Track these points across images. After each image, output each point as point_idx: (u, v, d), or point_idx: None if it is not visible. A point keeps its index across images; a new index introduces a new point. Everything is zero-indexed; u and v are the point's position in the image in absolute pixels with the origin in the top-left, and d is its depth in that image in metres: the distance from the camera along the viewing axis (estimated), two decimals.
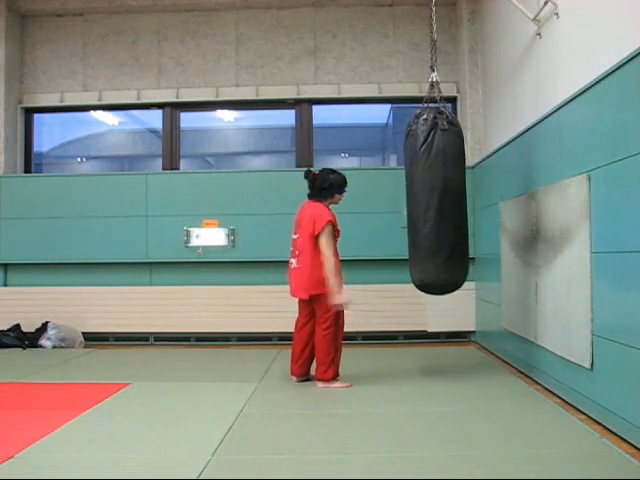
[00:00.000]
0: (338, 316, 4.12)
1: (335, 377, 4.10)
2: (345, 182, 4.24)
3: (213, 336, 6.10)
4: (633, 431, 2.80)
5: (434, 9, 4.21)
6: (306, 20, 6.51)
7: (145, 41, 6.59)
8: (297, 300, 4.25)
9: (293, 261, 4.18)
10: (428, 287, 4.11)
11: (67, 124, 7.98)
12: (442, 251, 3.93)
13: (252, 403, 3.68)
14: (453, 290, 4.16)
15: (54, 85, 6.64)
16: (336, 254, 4.10)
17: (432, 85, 4.21)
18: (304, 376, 4.24)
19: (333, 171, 4.24)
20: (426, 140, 3.95)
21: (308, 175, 4.22)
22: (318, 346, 4.08)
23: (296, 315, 4.30)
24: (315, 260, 4.03)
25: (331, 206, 4.26)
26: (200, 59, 6.56)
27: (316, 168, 6.67)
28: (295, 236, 4.21)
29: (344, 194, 4.29)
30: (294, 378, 4.24)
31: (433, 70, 4.24)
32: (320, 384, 4.07)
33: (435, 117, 3.98)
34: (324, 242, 4.02)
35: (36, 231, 6.26)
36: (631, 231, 2.82)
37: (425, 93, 4.26)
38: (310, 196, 4.26)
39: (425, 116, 4.00)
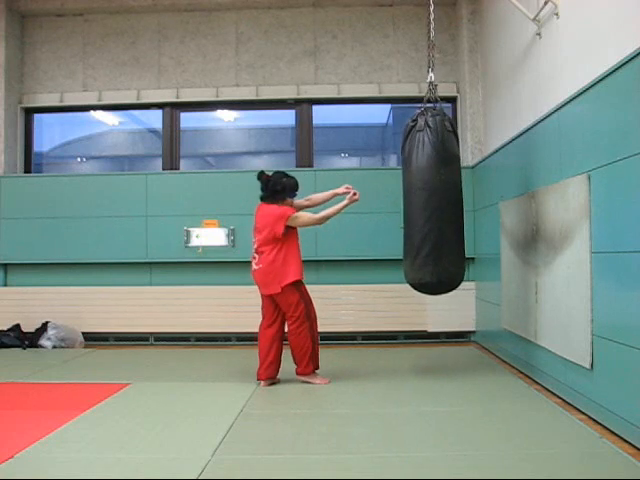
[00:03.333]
0: (309, 309, 4.17)
1: (314, 370, 4.21)
2: (297, 186, 4.25)
3: (213, 336, 6.10)
4: (633, 431, 2.80)
5: (432, 9, 4.21)
6: (306, 20, 6.52)
7: (145, 41, 6.59)
8: (260, 303, 4.28)
9: (253, 263, 4.21)
10: (424, 287, 4.11)
11: (67, 124, 7.98)
12: (438, 250, 3.92)
13: (252, 403, 3.68)
14: (449, 290, 4.16)
15: (54, 85, 6.65)
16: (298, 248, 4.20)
17: (430, 85, 4.21)
18: (271, 379, 4.16)
19: (286, 175, 4.25)
20: (423, 140, 3.96)
21: (261, 177, 4.21)
22: (294, 344, 4.14)
23: None
24: (278, 255, 4.08)
25: None
26: (200, 59, 6.56)
27: (315, 169, 6.69)
28: (254, 239, 4.23)
29: (295, 198, 4.30)
30: (261, 382, 4.14)
31: (431, 70, 4.23)
32: (301, 377, 4.19)
33: (434, 118, 3.99)
34: (304, 222, 4.15)
35: (36, 231, 6.26)
36: (631, 231, 2.82)
37: (424, 93, 4.25)
38: (263, 198, 4.26)
39: (424, 117, 4.02)
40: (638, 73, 2.75)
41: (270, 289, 4.12)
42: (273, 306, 4.20)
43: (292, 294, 4.10)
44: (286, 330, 4.22)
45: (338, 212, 4.22)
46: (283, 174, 4.25)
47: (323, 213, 4.20)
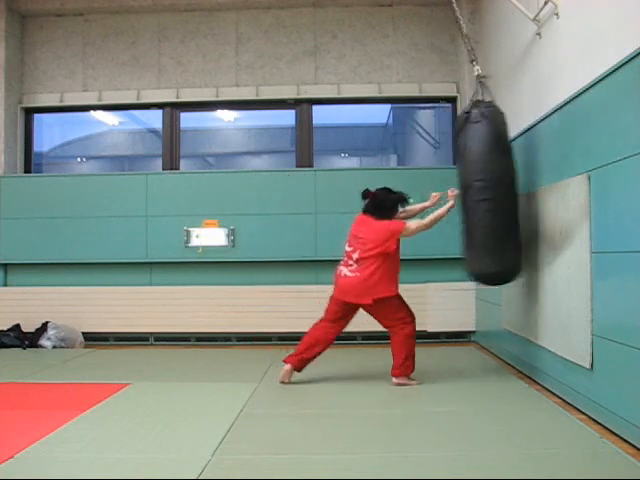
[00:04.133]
0: (411, 313, 4.18)
1: (412, 372, 4.17)
2: (405, 200, 4.22)
3: (213, 336, 6.10)
4: (633, 431, 2.79)
5: (455, 4, 4.21)
6: (306, 20, 6.51)
7: (145, 41, 6.59)
8: (328, 304, 4.24)
9: (344, 269, 4.15)
10: (489, 277, 4.11)
11: (67, 124, 7.99)
12: (499, 240, 3.91)
13: (252, 403, 3.68)
14: (511, 279, 4.14)
15: (54, 85, 6.64)
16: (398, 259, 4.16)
17: (478, 78, 4.17)
18: (296, 370, 4.19)
19: (391, 191, 4.21)
20: (481, 132, 3.93)
21: (367, 196, 4.19)
22: (400, 345, 4.10)
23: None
24: (379, 269, 4.04)
25: None
26: (200, 59, 6.56)
27: (315, 169, 6.64)
28: (349, 249, 4.16)
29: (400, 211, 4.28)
30: (286, 365, 4.17)
31: (476, 63, 4.23)
32: (398, 379, 4.11)
33: (488, 109, 3.97)
34: (414, 231, 4.08)
35: (36, 231, 6.25)
36: (631, 231, 2.82)
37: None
38: (369, 212, 4.20)
39: (478, 109, 3.98)
40: (638, 73, 2.75)
41: (360, 299, 4.08)
42: (342, 311, 4.17)
43: (393, 303, 4.11)
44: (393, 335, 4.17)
45: (445, 214, 4.11)
46: (389, 190, 4.21)
47: (431, 217, 4.10)
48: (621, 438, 2.90)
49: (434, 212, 4.13)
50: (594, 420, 3.20)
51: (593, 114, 3.28)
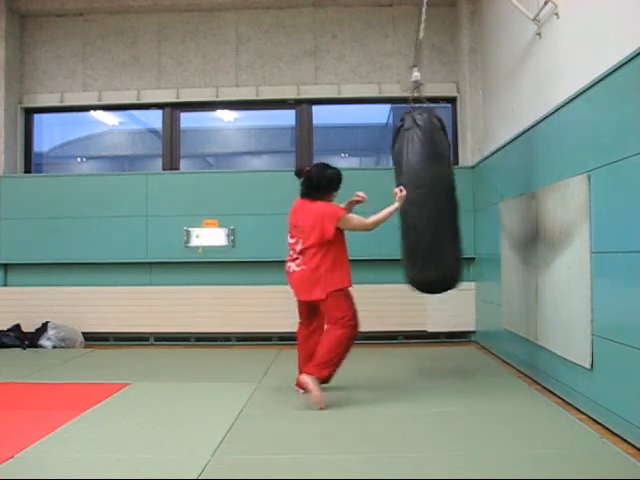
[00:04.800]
0: (356, 316, 3.74)
1: (326, 380, 3.69)
2: (341, 178, 3.89)
3: (213, 336, 6.10)
4: (633, 431, 2.79)
5: (424, 9, 4.26)
6: (306, 20, 6.51)
7: (145, 41, 6.59)
8: (297, 307, 3.94)
9: (292, 264, 3.82)
10: (427, 285, 4.11)
11: (67, 124, 7.98)
12: (437, 248, 3.91)
13: (252, 403, 3.68)
14: (450, 288, 4.15)
15: (54, 85, 6.64)
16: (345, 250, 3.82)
17: (415, 84, 4.23)
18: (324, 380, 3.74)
19: (328, 166, 3.89)
20: (412, 138, 3.97)
21: (300, 173, 3.85)
22: (326, 345, 3.63)
23: (296, 315, 4.00)
24: (325, 259, 3.68)
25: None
26: (200, 59, 6.56)
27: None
28: (292, 240, 3.85)
29: (338, 192, 3.94)
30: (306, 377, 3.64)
31: (417, 69, 4.29)
32: (304, 380, 3.58)
33: (421, 115, 4.01)
34: (354, 226, 3.76)
35: (36, 231, 6.25)
36: (631, 231, 2.82)
37: (410, 96, 4.29)
38: (304, 194, 3.87)
39: (411, 115, 4.03)
40: (638, 73, 2.75)
41: (312, 295, 3.72)
42: (310, 311, 3.88)
43: (340, 299, 3.68)
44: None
45: (390, 216, 3.82)
46: (326, 166, 3.88)
47: (374, 218, 3.79)
48: (621, 438, 2.90)
49: (378, 213, 3.81)
50: (594, 420, 3.20)
51: (593, 114, 3.28)
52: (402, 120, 4.08)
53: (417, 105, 4.15)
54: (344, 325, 3.66)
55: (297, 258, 3.79)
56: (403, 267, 4.18)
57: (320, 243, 3.69)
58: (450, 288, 4.16)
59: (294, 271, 3.80)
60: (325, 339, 3.68)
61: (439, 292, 4.22)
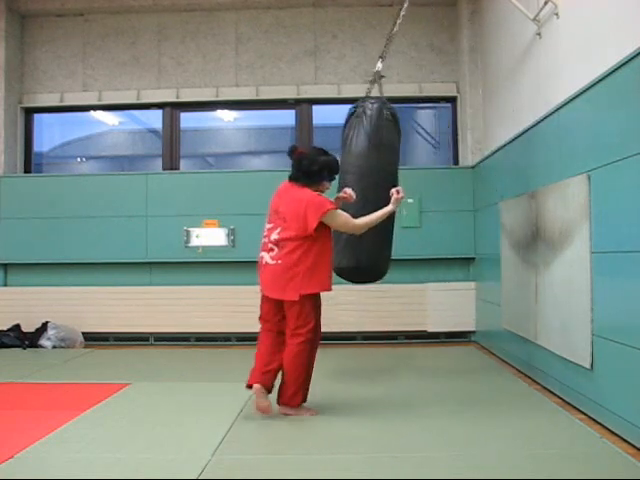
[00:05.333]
0: (318, 329, 3.40)
1: (302, 403, 3.39)
2: (338, 166, 3.52)
3: (213, 336, 6.09)
4: (633, 431, 2.79)
5: (405, 5, 4.36)
6: (306, 20, 6.51)
7: (145, 41, 6.59)
8: (260, 303, 3.49)
9: (266, 256, 3.38)
10: (342, 272, 4.09)
11: (67, 124, 7.98)
12: (360, 237, 3.74)
13: (252, 403, 3.67)
14: (370, 279, 4.18)
15: (54, 85, 6.64)
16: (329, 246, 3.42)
17: (375, 75, 4.33)
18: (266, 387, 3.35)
19: (325, 152, 3.48)
20: (358, 127, 4.07)
21: (293, 152, 3.45)
22: (288, 365, 3.31)
23: None
24: (306, 256, 3.28)
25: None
26: (200, 59, 6.56)
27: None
28: (269, 226, 3.44)
29: (332, 182, 3.55)
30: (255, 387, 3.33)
31: (382, 61, 4.36)
32: (284, 410, 3.35)
33: (372, 105, 4.11)
34: (341, 225, 3.37)
35: (36, 231, 6.25)
36: (631, 231, 2.82)
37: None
38: (292, 179, 3.47)
39: (363, 105, 4.14)
40: (638, 73, 2.75)
41: (284, 294, 3.29)
42: (277, 310, 3.40)
43: (308, 306, 3.31)
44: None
45: (382, 218, 3.47)
46: (322, 151, 3.48)
47: (365, 219, 3.42)
48: (621, 438, 2.89)
49: (371, 214, 3.45)
50: (594, 420, 3.20)
51: (593, 114, 3.28)
52: (355, 107, 4.19)
53: (373, 96, 4.26)
54: (301, 340, 3.28)
55: (272, 249, 3.35)
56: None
57: (301, 237, 3.27)
58: (366, 281, 4.16)
59: (267, 264, 3.36)
60: (286, 364, 3.32)
61: (354, 282, 4.23)
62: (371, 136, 4.03)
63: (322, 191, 3.47)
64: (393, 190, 3.56)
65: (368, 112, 4.07)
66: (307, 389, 3.39)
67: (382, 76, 4.28)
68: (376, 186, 3.91)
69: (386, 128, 4.10)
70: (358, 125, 4.09)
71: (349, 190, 3.64)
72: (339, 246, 3.86)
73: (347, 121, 4.22)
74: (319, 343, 3.45)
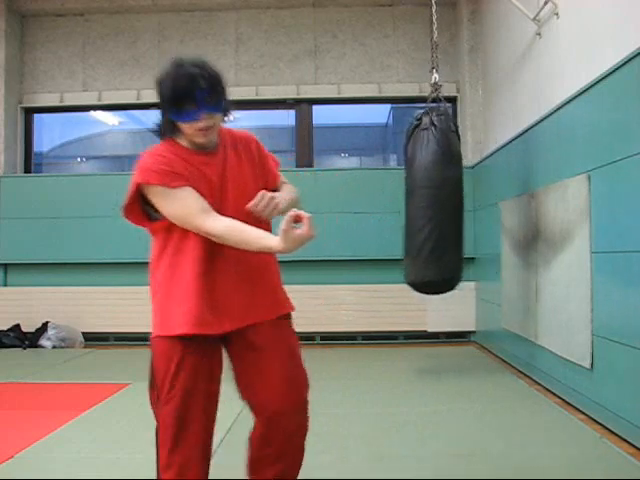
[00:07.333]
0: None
1: None
2: (177, 90, 1.88)
3: None
4: (633, 431, 2.79)
5: (434, 9, 4.24)
6: (306, 20, 6.51)
7: (145, 41, 6.59)
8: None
9: None
10: (427, 285, 4.12)
11: (67, 124, 7.99)
12: (440, 249, 3.94)
13: None
14: (450, 289, 4.17)
15: (54, 85, 6.64)
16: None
17: (434, 86, 4.25)
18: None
19: (178, 64, 1.95)
20: (427, 138, 4.00)
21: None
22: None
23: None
24: (156, 263, 2.02)
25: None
26: None
27: (315, 169, 6.56)
28: None
29: (195, 123, 1.91)
30: None
31: (435, 71, 4.28)
32: None
33: (439, 117, 4.05)
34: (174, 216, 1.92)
35: (36, 231, 6.25)
36: (631, 231, 2.82)
37: (426, 93, 4.30)
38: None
39: (429, 116, 4.07)
40: (638, 73, 2.75)
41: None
42: None
43: (153, 358, 1.92)
44: None
45: (253, 247, 1.87)
46: (176, 64, 1.96)
47: (232, 231, 1.87)
48: (621, 438, 2.89)
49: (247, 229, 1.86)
50: (594, 420, 3.20)
51: (593, 114, 3.28)
52: (419, 119, 4.10)
53: (434, 105, 4.19)
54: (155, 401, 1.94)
55: None
56: (405, 267, 4.18)
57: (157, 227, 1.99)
58: (450, 290, 4.18)
59: None
60: None
61: (438, 293, 4.23)
62: (443, 147, 4.00)
63: (190, 139, 1.95)
64: (292, 214, 1.77)
65: (437, 124, 4.01)
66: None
67: (440, 85, 4.25)
68: (454, 199, 4.00)
69: (454, 139, 4.11)
70: (427, 137, 4.02)
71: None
72: (420, 262, 3.95)
73: (411, 134, 4.15)
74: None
